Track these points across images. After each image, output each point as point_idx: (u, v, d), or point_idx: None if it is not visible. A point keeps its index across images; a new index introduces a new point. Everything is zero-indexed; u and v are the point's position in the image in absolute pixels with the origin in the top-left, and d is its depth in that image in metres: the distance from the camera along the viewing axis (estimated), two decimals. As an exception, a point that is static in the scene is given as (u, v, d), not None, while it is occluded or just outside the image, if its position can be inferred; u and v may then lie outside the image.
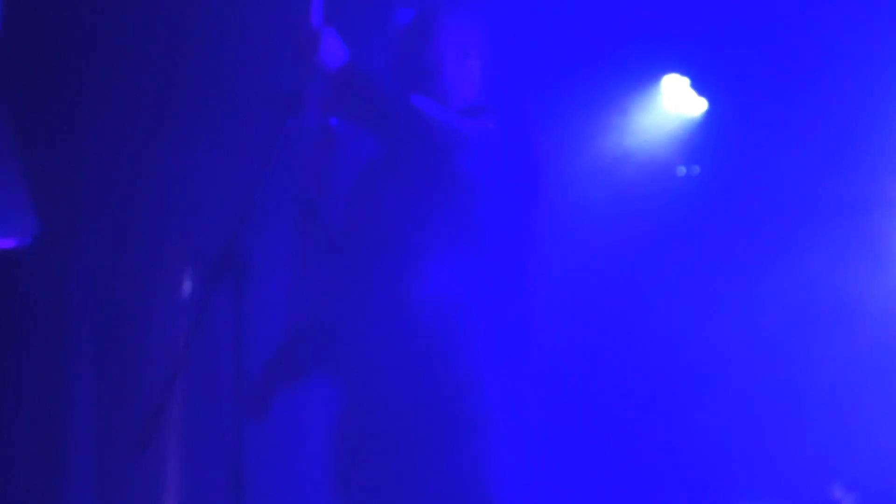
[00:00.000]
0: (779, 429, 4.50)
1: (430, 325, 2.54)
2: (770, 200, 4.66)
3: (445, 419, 2.53)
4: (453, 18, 2.89)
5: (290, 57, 2.54)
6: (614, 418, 4.69)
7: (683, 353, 4.63)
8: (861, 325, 4.37)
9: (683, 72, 4.88)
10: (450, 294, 2.55)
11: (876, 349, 4.39)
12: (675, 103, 4.91)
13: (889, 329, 4.38)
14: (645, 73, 4.87)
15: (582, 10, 4.47)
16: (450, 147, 2.53)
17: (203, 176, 4.45)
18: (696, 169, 4.94)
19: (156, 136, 4.43)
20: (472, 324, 2.55)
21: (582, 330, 4.57)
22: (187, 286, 4.56)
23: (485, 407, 2.54)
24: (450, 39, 2.85)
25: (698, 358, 4.60)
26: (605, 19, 4.55)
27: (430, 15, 2.87)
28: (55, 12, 4.27)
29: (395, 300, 2.57)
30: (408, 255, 2.60)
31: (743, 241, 4.69)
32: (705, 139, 4.91)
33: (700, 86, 4.87)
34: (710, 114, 4.88)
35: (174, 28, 4.38)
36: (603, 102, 4.78)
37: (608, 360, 4.72)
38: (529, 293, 2.65)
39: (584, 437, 4.60)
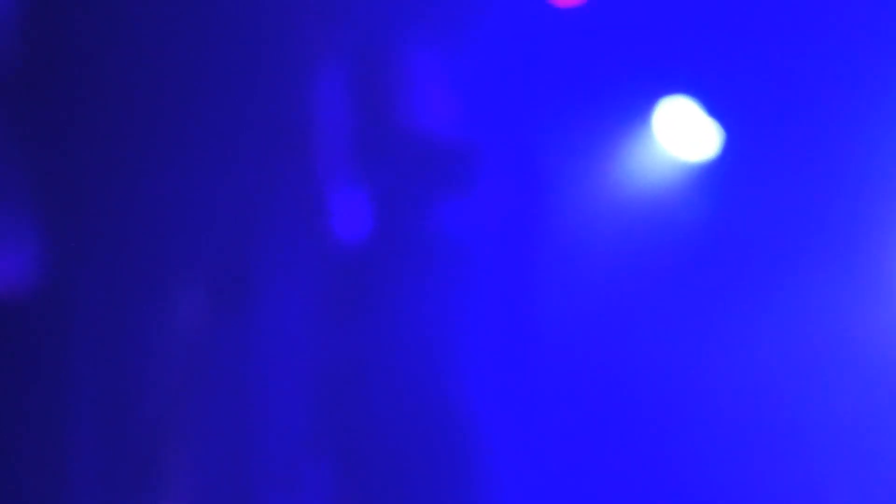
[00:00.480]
0: (778, 465, 4.49)
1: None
2: (772, 235, 4.63)
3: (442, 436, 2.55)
4: (422, 52, 2.90)
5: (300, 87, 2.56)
6: (610, 457, 4.67)
7: (685, 386, 4.61)
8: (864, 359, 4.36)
9: (694, 95, 4.83)
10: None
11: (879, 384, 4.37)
12: (685, 126, 4.88)
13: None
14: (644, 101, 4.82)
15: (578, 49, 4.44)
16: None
17: (206, 198, 4.47)
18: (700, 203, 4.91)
19: (160, 157, 4.45)
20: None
21: (578, 364, 4.56)
22: (190, 305, 4.58)
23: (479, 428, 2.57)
24: (418, 70, 2.86)
25: (701, 388, 4.59)
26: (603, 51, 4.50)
27: (397, 48, 2.89)
28: (57, 46, 4.29)
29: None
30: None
31: (745, 272, 4.68)
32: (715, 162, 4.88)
33: (710, 109, 4.82)
34: (721, 137, 4.85)
35: (177, 52, 4.39)
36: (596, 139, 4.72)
37: (605, 393, 4.71)
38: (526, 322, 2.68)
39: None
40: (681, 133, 4.75)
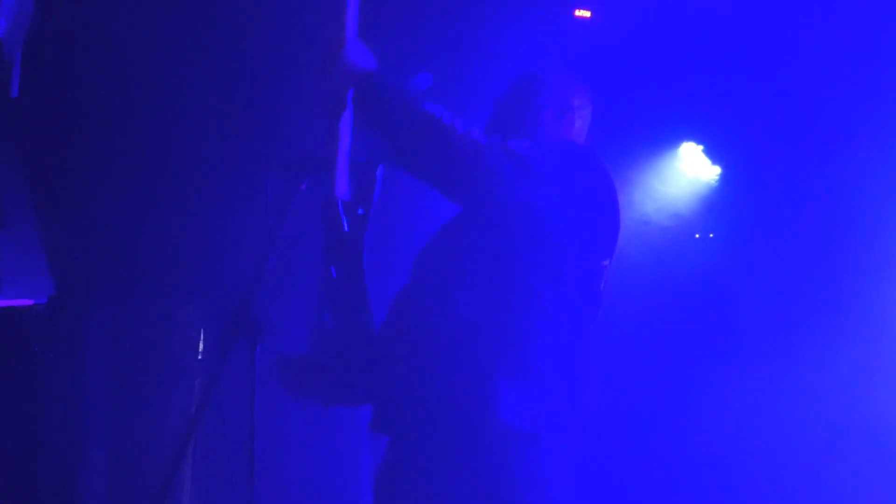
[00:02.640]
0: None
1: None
2: (783, 263, 4.71)
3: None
4: (554, 77, 2.97)
5: (308, 116, 2.59)
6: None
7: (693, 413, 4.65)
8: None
9: (699, 139, 4.95)
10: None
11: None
12: (692, 169, 4.98)
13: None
14: (663, 141, 4.94)
15: (606, 81, 4.55)
16: (468, 154, 2.55)
17: (217, 237, 4.49)
18: (711, 235, 5.00)
19: (171, 197, 4.47)
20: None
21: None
22: (202, 347, 4.59)
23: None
24: (550, 96, 2.92)
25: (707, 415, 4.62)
26: (628, 90, 4.63)
27: (531, 74, 2.96)
28: (70, 85, 4.32)
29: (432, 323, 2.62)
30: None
31: (758, 299, 4.73)
32: (721, 203, 4.96)
33: (715, 153, 4.95)
34: (724, 178, 4.95)
35: (191, 89, 4.42)
36: (623, 168, 4.83)
37: (620, 418, 4.74)
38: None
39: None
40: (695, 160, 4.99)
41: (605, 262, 2.77)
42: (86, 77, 4.30)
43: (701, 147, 4.99)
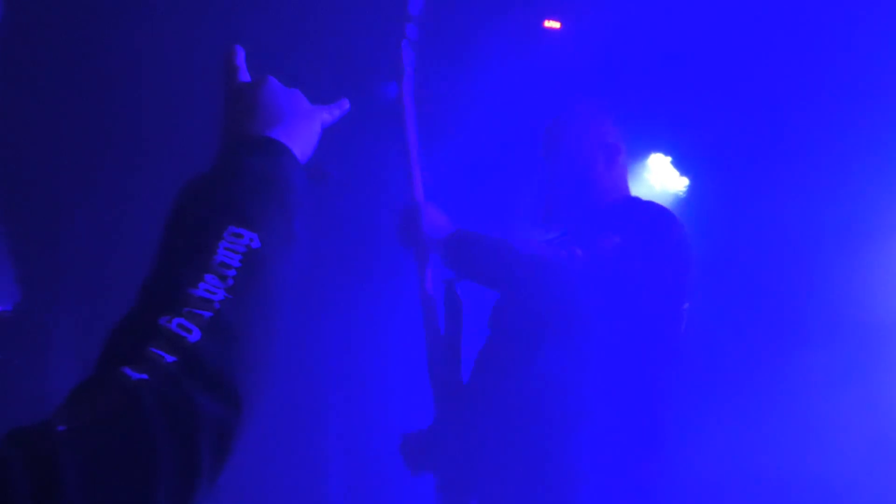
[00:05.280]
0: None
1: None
2: (752, 275, 4.74)
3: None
4: (601, 117, 2.97)
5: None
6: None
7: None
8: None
9: (667, 151, 4.99)
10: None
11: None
12: (660, 180, 5.01)
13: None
14: (632, 152, 4.95)
15: (575, 93, 4.57)
16: (558, 279, 2.63)
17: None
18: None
19: (141, 202, 4.44)
20: None
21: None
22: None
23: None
24: (595, 141, 2.92)
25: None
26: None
27: (578, 115, 2.95)
28: (41, 85, 4.30)
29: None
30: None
31: (726, 310, 4.75)
32: (689, 215, 4.98)
33: (683, 164, 4.98)
34: (692, 190, 4.98)
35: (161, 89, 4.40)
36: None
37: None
38: None
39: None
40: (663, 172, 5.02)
41: (685, 306, 2.82)
42: (57, 77, 4.28)
43: (669, 158, 5.03)
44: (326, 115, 1.33)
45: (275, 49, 4.20)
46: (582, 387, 2.70)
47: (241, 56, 1.34)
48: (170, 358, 0.96)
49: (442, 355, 2.76)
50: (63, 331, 4.40)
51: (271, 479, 4.59)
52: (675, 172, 5.03)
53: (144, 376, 0.94)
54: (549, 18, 4.64)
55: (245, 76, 1.32)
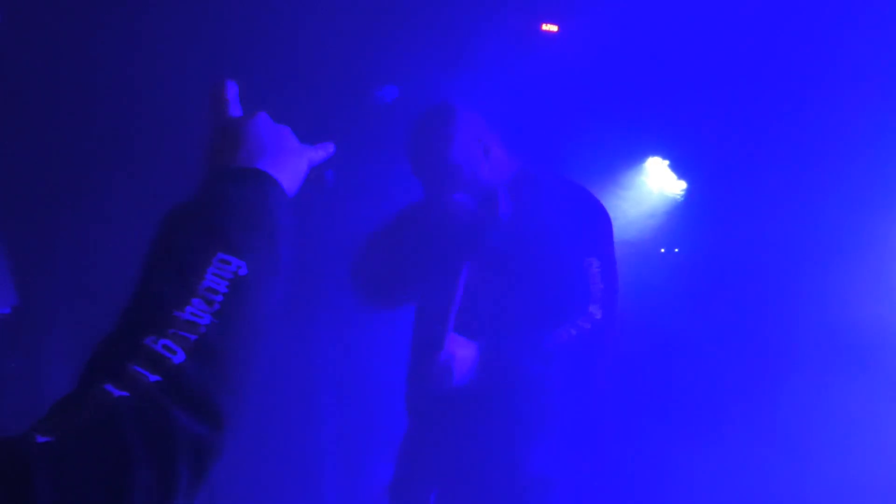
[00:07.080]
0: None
1: None
2: (749, 278, 4.74)
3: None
4: (469, 116, 2.97)
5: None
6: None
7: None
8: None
9: (665, 154, 4.99)
10: None
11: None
12: (657, 183, 5.01)
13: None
14: (629, 156, 4.97)
15: (572, 97, 4.58)
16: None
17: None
18: (676, 250, 5.04)
19: (135, 206, 4.43)
20: None
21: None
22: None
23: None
24: (470, 138, 2.93)
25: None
26: (594, 105, 4.66)
27: (446, 113, 2.96)
28: (35, 89, 4.28)
29: None
30: None
31: (723, 314, 4.76)
32: (687, 218, 4.99)
33: (680, 167, 4.98)
34: (690, 193, 4.98)
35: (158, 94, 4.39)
36: (589, 183, 4.86)
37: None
38: None
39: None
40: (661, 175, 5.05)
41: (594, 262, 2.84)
42: (55, 80, 4.27)
43: (667, 162, 5.04)
44: (313, 153, 1.36)
45: (273, 55, 4.22)
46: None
47: (233, 90, 1.35)
48: (153, 377, 0.98)
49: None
50: (60, 335, 4.39)
51: (266, 482, 4.59)
52: (672, 176, 5.04)
53: (126, 393, 0.96)
54: (546, 22, 4.64)
55: (236, 110, 1.35)
